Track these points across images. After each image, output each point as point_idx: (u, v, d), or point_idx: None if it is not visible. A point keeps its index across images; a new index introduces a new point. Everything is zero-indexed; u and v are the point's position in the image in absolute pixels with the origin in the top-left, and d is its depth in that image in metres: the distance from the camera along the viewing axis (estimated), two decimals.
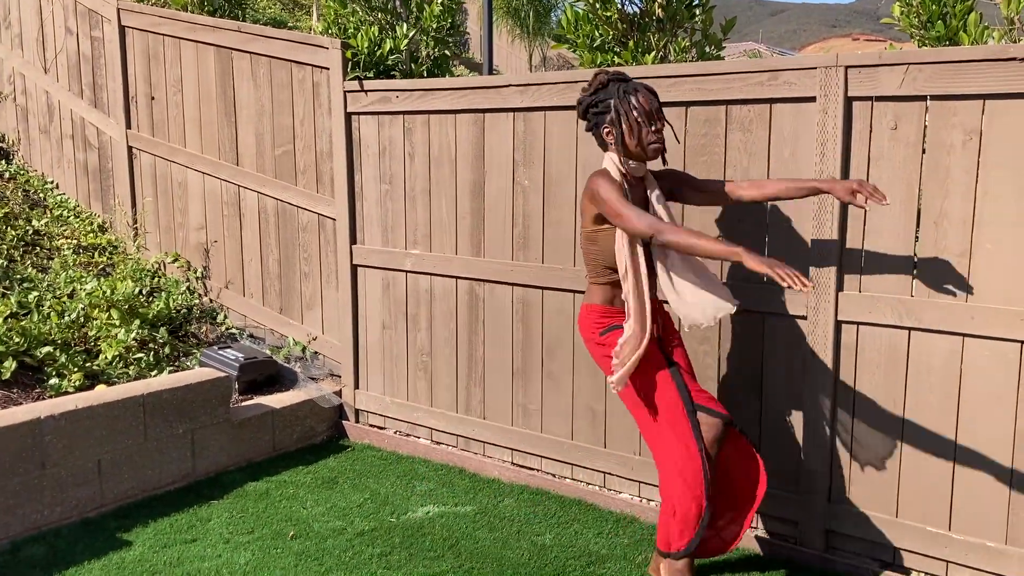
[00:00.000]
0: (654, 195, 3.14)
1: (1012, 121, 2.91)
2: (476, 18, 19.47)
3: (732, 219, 3.53)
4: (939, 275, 3.10)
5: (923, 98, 3.07)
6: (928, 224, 3.11)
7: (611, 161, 3.10)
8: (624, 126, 3.02)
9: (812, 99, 3.29)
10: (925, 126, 3.08)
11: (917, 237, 3.14)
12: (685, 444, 2.97)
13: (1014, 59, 2.88)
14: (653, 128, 3.03)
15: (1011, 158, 2.92)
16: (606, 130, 3.08)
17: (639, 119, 3.01)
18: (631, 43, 4.01)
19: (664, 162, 3.19)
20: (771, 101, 3.40)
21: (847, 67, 3.20)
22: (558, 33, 4.30)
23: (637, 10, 4.14)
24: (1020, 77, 2.87)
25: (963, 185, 3.02)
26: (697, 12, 4.19)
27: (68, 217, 6.44)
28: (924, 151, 3.09)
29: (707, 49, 4.20)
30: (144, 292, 5.51)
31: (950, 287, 3.08)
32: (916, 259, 3.15)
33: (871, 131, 3.19)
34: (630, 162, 3.07)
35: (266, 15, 15.70)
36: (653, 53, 3.97)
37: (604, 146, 3.13)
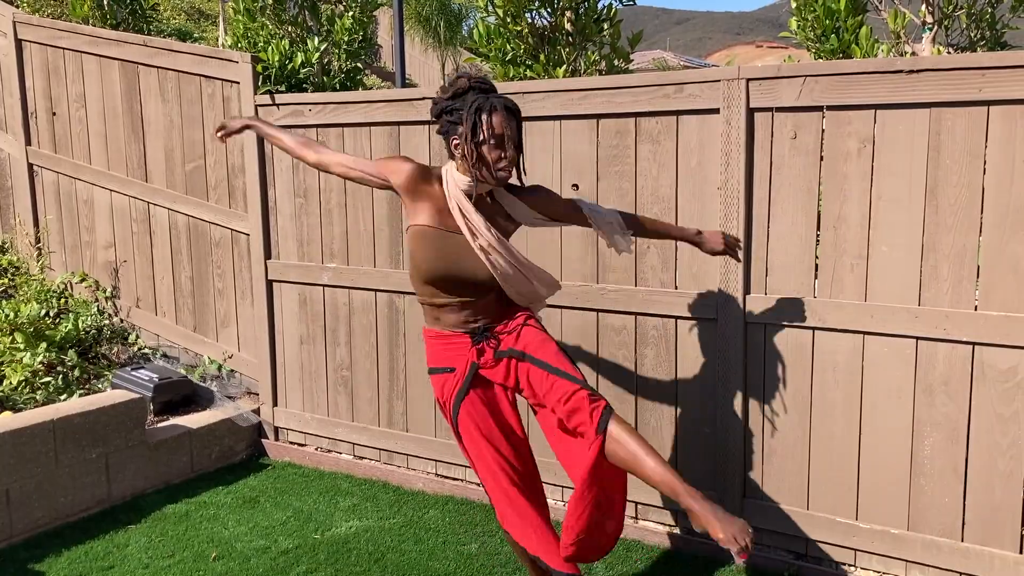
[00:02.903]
0: (506, 213, 2.90)
1: (902, 129, 3.08)
2: (387, 27, 19.38)
3: None
4: (839, 276, 3.25)
5: (820, 108, 3.23)
6: (828, 228, 3.26)
7: (451, 172, 2.81)
8: (472, 146, 2.70)
9: (716, 111, 3.41)
10: (823, 135, 3.23)
11: (818, 240, 3.29)
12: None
13: (901, 71, 3.05)
14: (504, 154, 2.72)
15: (902, 164, 3.09)
16: (455, 142, 2.76)
17: (491, 141, 2.69)
18: (542, 56, 4.09)
19: (521, 182, 2.91)
20: (677, 113, 3.51)
21: (748, 80, 3.33)
22: (471, 46, 4.36)
23: (547, 24, 4.23)
24: (907, 88, 3.04)
25: (859, 190, 3.18)
26: (605, 27, 4.30)
27: None
28: (822, 158, 3.24)
29: (616, 62, 4.31)
30: (50, 314, 5.33)
31: (849, 288, 3.24)
32: (818, 261, 3.30)
33: (772, 140, 3.33)
34: (470, 181, 2.77)
35: (171, 26, 15.34)
36: (564, 66, 4.06)
37: (451, 155, 2.83)
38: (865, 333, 3.22)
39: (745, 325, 3.44)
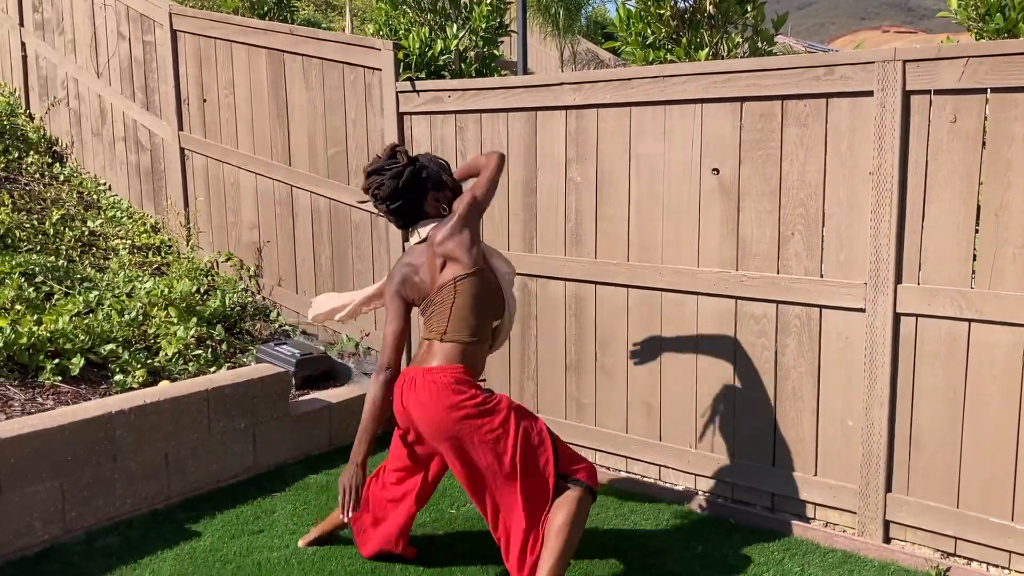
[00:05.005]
0: None
1: None
2: (507, 17, 19.45)
3: (789, 209, 3.56)
4: (1000, 267, 3.12)
5: (983, 91, 3.09)
6: (988, 216, 3.12)
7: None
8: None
9: (869, 93, 3.32)
10: (985, 118, 3.10)
11: (977, 229, 3.16)
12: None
13: None
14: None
15: None
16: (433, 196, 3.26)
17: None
18: (684, 40, 4.06)
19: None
20: (827, 96, 3.43)
21: (905, 61, 3.22)
22: (611, 30, 4.36)
23: (689, 7, 4.19)
24: None
25: None
26: (748, 8, 4.23)
27: (122, 218, 6.59)
28: (984, 143, 3.11)
29: (759, 45, 4.24)
30: (200, 290, 5.63)
31: (1011, 278, 3.10)
32: (976, 251, 3.17)
33: (929, 124, 3.21)
34: None
35: (300, 16, 15.88)
36: (706, 50, 4.02)
37: (423, 216, 3.26)
38: None
39: (895, 316, 3.34)
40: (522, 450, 2.97)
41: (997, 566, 3.24)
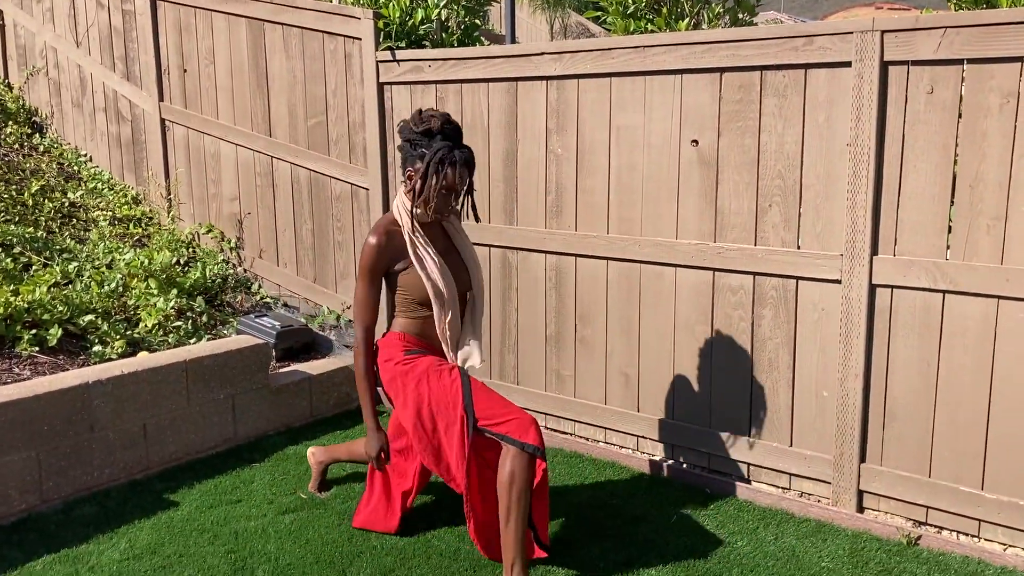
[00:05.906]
0: (451, 227, 3.30)
1: None
2: None
3: (767, 180, 3.56)
4: (974, 238, 3.12)
5: (960, 62, 3.08)
6: (963, 188, 3.13)
7: (401, 204, 3.15)
8: (424, 187, 3.03)
9: (847, 64, 3.30)
10: (962, 90, 3.09)
11: (952, 201, 3.16)
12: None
13: None
14: (448, 204, 3.09)
15: None
16: (409, 173, 3.10)
17: (442, 191, 3.03)
18: (664, 9, 4.03)
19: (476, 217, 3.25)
20: (806, 66, 3.42)
21: (883, 31, 3.21)
22: None
23: None
24: None
25: (1000, 148, 3.03)
26: None
27: (102, 189, 6.54)
28: (960, 115, 3.11)
29: (740, 15, 4.21)
30: (180, 262, 5.60)
31: (985, 250, 3.11)
32: (951, 223, 3.18)
33: (907, 95, 3.21)
34: (416, 210, 3.11)
35: None
36: (687, 20, 3.99)
37: (404, 176, 3.15)
38: (1000, 297, 3.09)
39: (871, 287, 3.35)
40: (429, 408, 3.05)
41: (967, 534, 3.27)
